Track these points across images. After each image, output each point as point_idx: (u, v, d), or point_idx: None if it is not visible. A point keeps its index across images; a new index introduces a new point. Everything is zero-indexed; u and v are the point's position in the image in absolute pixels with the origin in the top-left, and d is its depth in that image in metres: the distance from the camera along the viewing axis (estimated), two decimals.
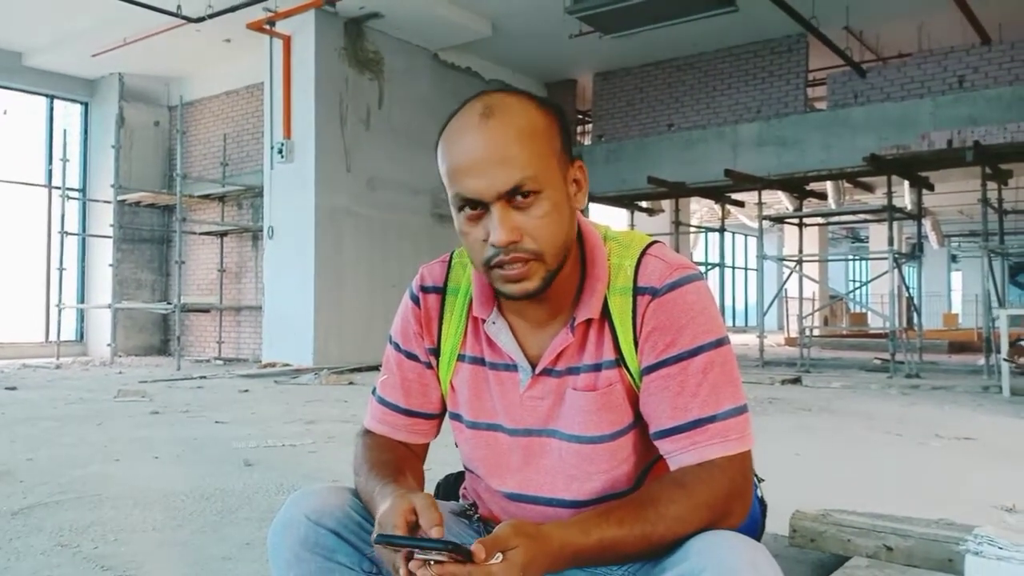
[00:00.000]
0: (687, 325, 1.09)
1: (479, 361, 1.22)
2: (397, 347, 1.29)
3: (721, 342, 1.10)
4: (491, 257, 1.05)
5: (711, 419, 1.07)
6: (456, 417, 1.26)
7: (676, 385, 1.08)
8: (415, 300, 1.27)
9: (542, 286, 1.07)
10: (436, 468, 1.49)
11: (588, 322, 1.14)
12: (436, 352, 1.26)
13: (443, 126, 1.11)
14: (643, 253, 1.15)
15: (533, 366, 1.17)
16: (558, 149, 1.08)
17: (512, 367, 1.18)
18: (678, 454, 1.08)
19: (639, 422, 1.14)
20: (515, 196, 1.03)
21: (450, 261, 1.28)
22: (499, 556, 0.89)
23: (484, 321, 1.19)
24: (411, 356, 1.27)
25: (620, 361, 1.13)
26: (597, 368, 1.14)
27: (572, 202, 1.10)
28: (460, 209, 1.06)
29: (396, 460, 1.22)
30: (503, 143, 1.03)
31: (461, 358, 1.23)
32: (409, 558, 0.90)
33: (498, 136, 1.03)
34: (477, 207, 1.04)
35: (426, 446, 1.32)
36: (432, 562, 0.88)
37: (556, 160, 1.07)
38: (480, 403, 1.22)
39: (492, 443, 1.21)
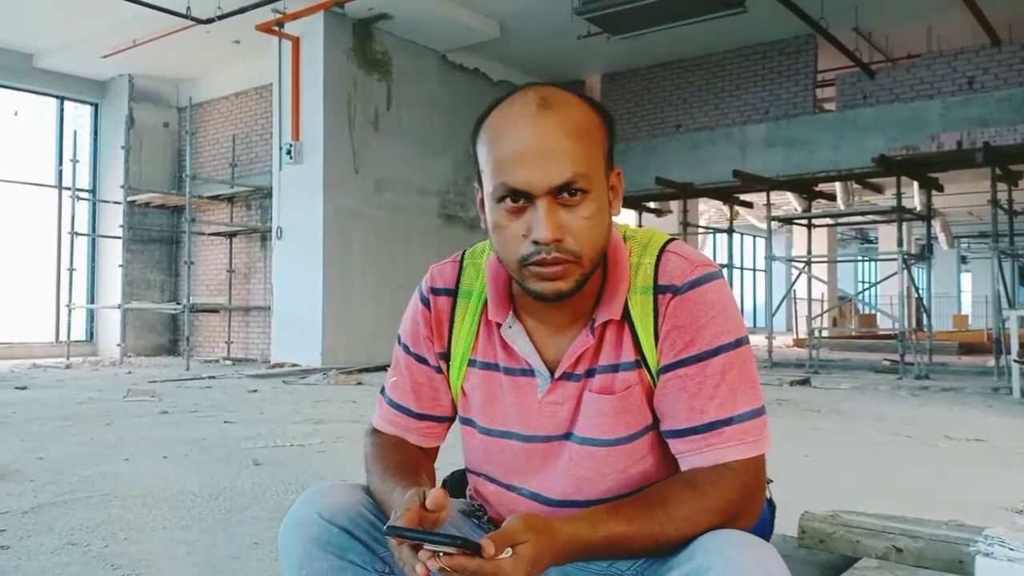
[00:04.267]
0: (707, 325, 1.07)
1: (492, 366, 1.19)
2: (407, 349, 1.26)
3: (740, 342, 1.09)
4: (529, 254, 1.02)
5: (728, 421, 1.05)
6: (468, 422, 1.24)
7: (694, 386, 1.07)
8: (425, 302, 1.24)
9: (575, 288, 1.05)
10: (444, 469, 1.49)
11: (606, 323, 1.12)
12: (446, 356, 1.23)
13: (485, 113, 1.08)
14: (662, 250, 1.13)
15: (551, 371, 1.15)
16: (605, 152, 1.07)
17: (529, 372, 1.16)
18: (692, 455, 1.07)
19: (658, 423, 1.13)
20: (563, 193, 1.01)
21: (461, 261, 1.25)
22: (508, 551, 0.89)
23: (500, 325, 1.16)
24: (421, 359, 1.25)
25: (640, 362, 1.11)
26: (614, 369, 1.12)
27: (610, 208, 1.08)
28: (500, 200, 1.03)
29: (411, 461, 1.20)
30: (560, 136, 1.01)
31: (472, 363, 1.21)
32: (418, 550, 0.90)
33: (556, 128, 1.01)
34: (521, 199, 1.01)
35: (437, 448, 1.31)
36: (441, 554, 0.87)
37: (603, 163, 1.06)
38: (493, 410, 1.19)
39: (506, 449, 1.19)
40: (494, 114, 1.06)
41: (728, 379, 1.07)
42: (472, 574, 0.87)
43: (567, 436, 1.15)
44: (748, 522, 1.06)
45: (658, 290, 1.10)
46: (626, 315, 1.12)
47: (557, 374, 1.14)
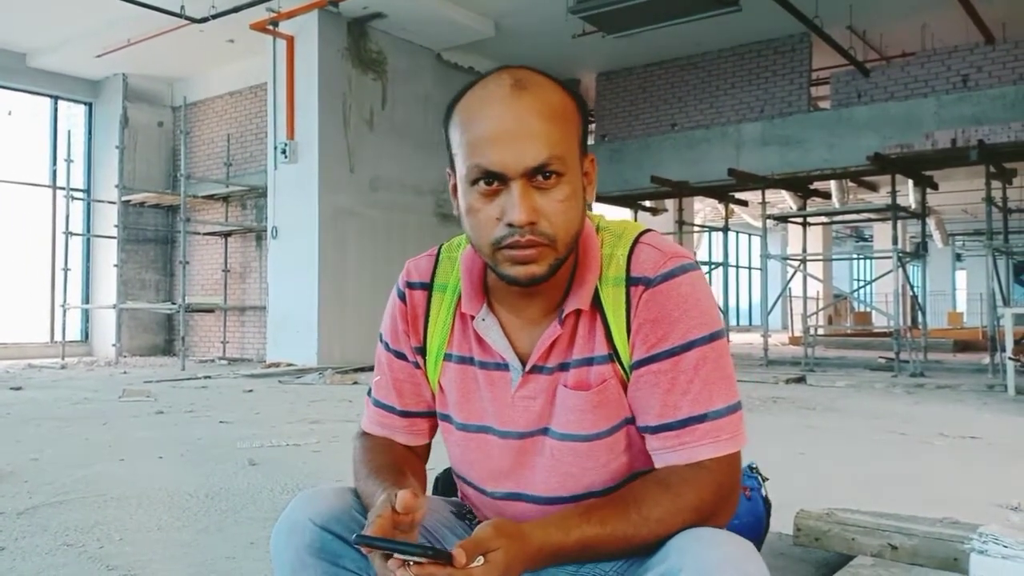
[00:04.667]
0: (680, 318, 1.05)
1: (467, 360, 1.18)
2: (387, 346, 1.25)
3: (715, 336, 1.06)
4: (503, 237, 1.00)
5: (702, 418, 1.03)
6: (445, 418, 1.22)
7: (667, 381, 1.05)
8: (401, 296, 1.23)
9: (548, 273, 1.03)
10: (439, 468, 1.49)
11: (578, 314, 1.10)
12: (423, 351, 1.22)
13: (457, 96, 1.06)
14: (636, 241, 1.11)
15: (523, 364, 1.13)
16: (579, 137, 1.05)
17: (503, 366, 1.14)
18: (666, 452, 1.05)
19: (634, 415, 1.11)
20: (538, 175, 0.99)
21: (438, 255, 1.24)
22: (480, 559, 0.88)
23: (473, 318, 1.15)
24: (400, 355, 1.23)
25: (614, 356, 1.09)
26: (588, 363, 1.10)
27: (584, 194, 1.06)
28: (474, 183, 1.01)
29: (398, 463, 1.18)
30: (536, 118, 0.99)
31: (448, 357, 1.19)
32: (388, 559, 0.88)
33: (532, 109, 0.99)
34: (495, 182, 0.99)
35: (427, 446, 1.29)
36: (411, 563, 0.86)
37: (577, 147, 1.04)
38: (469, 404, 1.18)
39: (483, 445, 1.17)
40: (467, 96, 1.04)
41: (702, 374, 1.04)
42: None
43: (544, 432, 1.13)
44: (723, 520, 1.04)
45: (630, 282, 1.08)
46: (598, 307, 1.10)
47: (528, 367, 1.12)
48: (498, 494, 1.18)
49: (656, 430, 1.06)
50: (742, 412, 1.07)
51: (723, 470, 1.03)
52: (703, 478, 1.02)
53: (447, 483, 1.43)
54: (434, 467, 1.32)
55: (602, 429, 1.10)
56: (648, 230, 1.14)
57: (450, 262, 1.21)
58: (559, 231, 1.01)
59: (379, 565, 0.90)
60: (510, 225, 0.99)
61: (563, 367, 1.11)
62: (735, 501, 1.07)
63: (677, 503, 1.00)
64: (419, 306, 1.22)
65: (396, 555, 0.87)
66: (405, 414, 1.24)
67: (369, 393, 1.29)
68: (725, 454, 1.04)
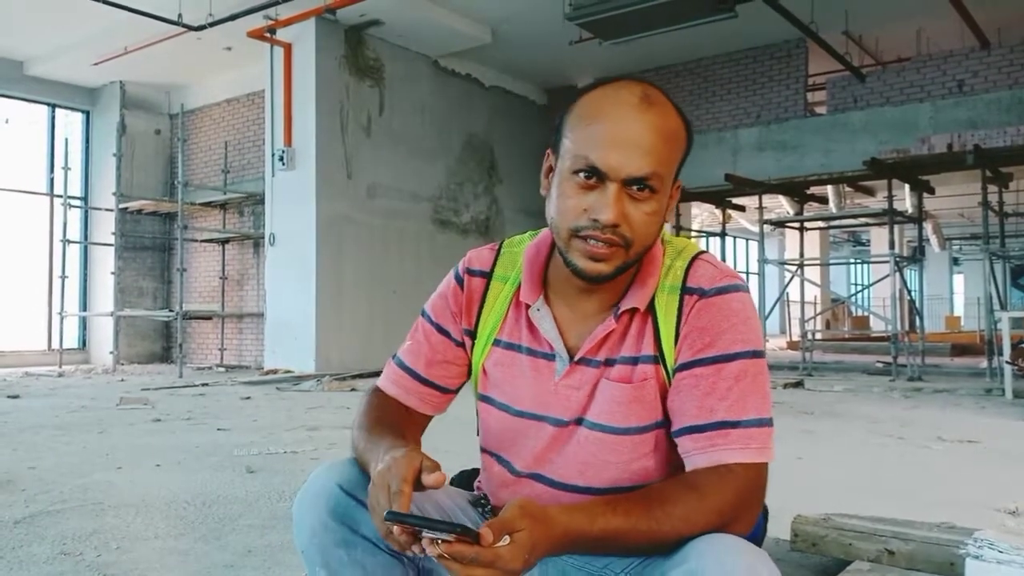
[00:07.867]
0: (728, 330, 1.11)
1: (515, 347, 1.24)
2: (429, 319, 1.31)
3: (758, 354, 1.11)
4: (583, 227, 1.07)
5: (735, 424, 1.07)
6: (486, 399, 1.28)
7: (707, 385, 1.09)
8: (459, 280, 1.30)
9: (614, 273, 1.10)
10: (452, 468, 1.48)
11: (632, 314, 1.16)
12: (472, 334, 1.28)
13: (585, 89, 1.13)
14: (695, 257, 1.18)
15: (571, 356, 1.18)
16: (679, 162, 1.14)
17: (550, 356, 1.20)
18: (696, 454, 1.08)
19: (668, 422, 1.15)
20: (634, 185, 1.06)
21: (499, 249, 1.31)
22: (506, 539, 0.91)
23: (530, 307, 1.21)
24: (442, 331, 1.30)
25: (659, 358, 1.14)
26: (634, 361, 1.15)
27: (665, 213, 1.14)
28: (575, 172, 1.08)
29: (400, 423, 1.24)
30: (654, 134, 1.07)
31: (497, 343, 1.26)
32: (414, 536, 0.92)
33: (653, 125, 1.07)
34: (594, 178, 1.06)
35: (429, 418, 1.35)
36: (440, 540, 0.89)
37: (674, 171, 1.13)
38: (513, 389, 1.24)
39: (520, 428, 1.23)
40: (597, 92, 1.13)
41: (741, 385, 1.09)
42: (470, 561, 0.88)
43: (579, 421, 1.18)
44: (744, 528, 1.06)
45: (685, 291, 1.15)
46: (651, 311, 1.16)
47: (576, 357, 1.18)
48: (523, 473, 1.23)
49: (689, 431, 1.10)
50: (773, 429, 1.11)
51: (749, 477, 1.06)
52: (728, 482, 1.05)
53: (462, 484, 1.47)
54: (450, 467, 1.32)
55: (632, 425, 1.15)
56: (706, 250, 1.22)
57: (511, 256, 1.29)
58: (637, 238, 1.09)
59: (404, 541, 0.93)
60: (595, 220, 1.06)
61: (609, 363, 1.17)
62: (757, 511, 1.09)
63: (701, 503, 1.02)
64: (476, 292, 1.29)
65: (425, 533, 0.90)
66: (424, 381, 1.31)
67: (394, 357, 1.34)
68: (753, 462, 1.07)
